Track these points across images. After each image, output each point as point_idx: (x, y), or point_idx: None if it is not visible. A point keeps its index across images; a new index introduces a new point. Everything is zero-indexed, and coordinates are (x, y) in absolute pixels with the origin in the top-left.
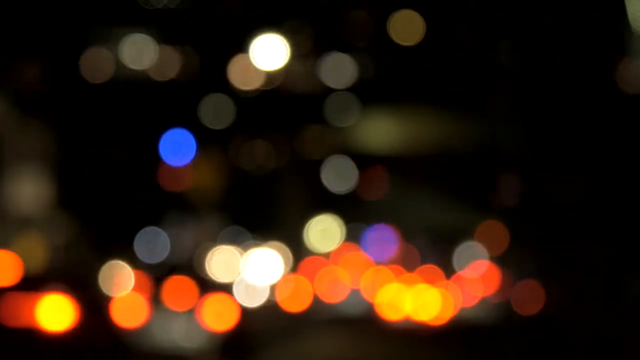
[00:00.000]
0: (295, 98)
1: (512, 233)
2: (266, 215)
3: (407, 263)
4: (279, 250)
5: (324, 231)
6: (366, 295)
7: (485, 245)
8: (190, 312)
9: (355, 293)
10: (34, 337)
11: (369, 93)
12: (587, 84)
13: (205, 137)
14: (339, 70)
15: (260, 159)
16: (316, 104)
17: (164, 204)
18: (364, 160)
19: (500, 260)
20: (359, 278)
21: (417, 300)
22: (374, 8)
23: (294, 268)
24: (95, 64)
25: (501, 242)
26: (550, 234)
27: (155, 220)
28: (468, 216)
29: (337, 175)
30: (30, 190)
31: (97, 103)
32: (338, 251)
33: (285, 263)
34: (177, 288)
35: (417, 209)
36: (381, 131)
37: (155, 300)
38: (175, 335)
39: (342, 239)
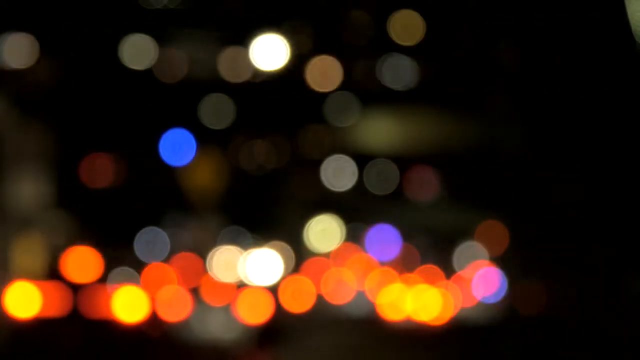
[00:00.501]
0: (297, 98)
1: (512, 233)
2: (266, 216)
3: (407, 263)
4: (280, 250)
5: (324, 231)
6: (371, 297)
7: (485, 245)
8: (227, 306)
9: (360, 295)
10: (111, 329)
11: (369, 93)
12: (587, 84)
13: (205, 137)
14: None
15: (260, 159)
16: (316, 104)
17: (164, 204)
18: (365, 160)
19: (500, 260)
20: (364, 279)
21: (417, 300)
22: (374, 8)
23: (297, 269)
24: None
25: (501, 242)
26: (550, 234)
27: (155, 220)
28: (468, 216)
29: (337, 174)
30: (30, 190)
31: (97, 103)
32: (340, 252)
33: (287, 264)
34: (214, 283)
35: (417, 208)
36: (381, 131)
37: (195, 294)
38: (214, 328)
39: (342, 239)
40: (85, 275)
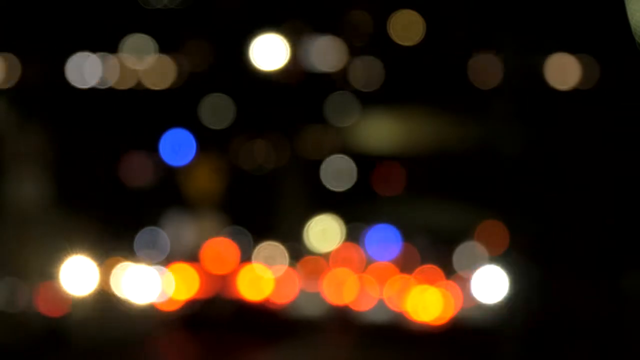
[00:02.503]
0: (296, 98)
1: (512, 233)
2: (266, 216)
3: (407, 263)
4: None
5: (324, 231)
6: (390, 304)
7: (485, 245)
8: (318, 292)
9: (380, 302)
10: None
11: (369, 93)
12: (587, 83)
13: (205, 137)
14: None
15: (260, 159)
16: (316, 104)
17: (164, 204)
18: (365, 160)
19: (500, 260)
20: (383, 286)
21: (417, 300)
22: (374, 8)
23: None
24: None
25: (501, 242)
26: (550, 233)
27: (155, 220)
28: (468, 216)
29: (337, 174)
30: (30, 190)
31: (97, 103)
32: (340, 252)
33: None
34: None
35: (417, 209)
36: (381, 131)
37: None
38: (307, 307)
39: (342, 239)
40: (223, 264)
